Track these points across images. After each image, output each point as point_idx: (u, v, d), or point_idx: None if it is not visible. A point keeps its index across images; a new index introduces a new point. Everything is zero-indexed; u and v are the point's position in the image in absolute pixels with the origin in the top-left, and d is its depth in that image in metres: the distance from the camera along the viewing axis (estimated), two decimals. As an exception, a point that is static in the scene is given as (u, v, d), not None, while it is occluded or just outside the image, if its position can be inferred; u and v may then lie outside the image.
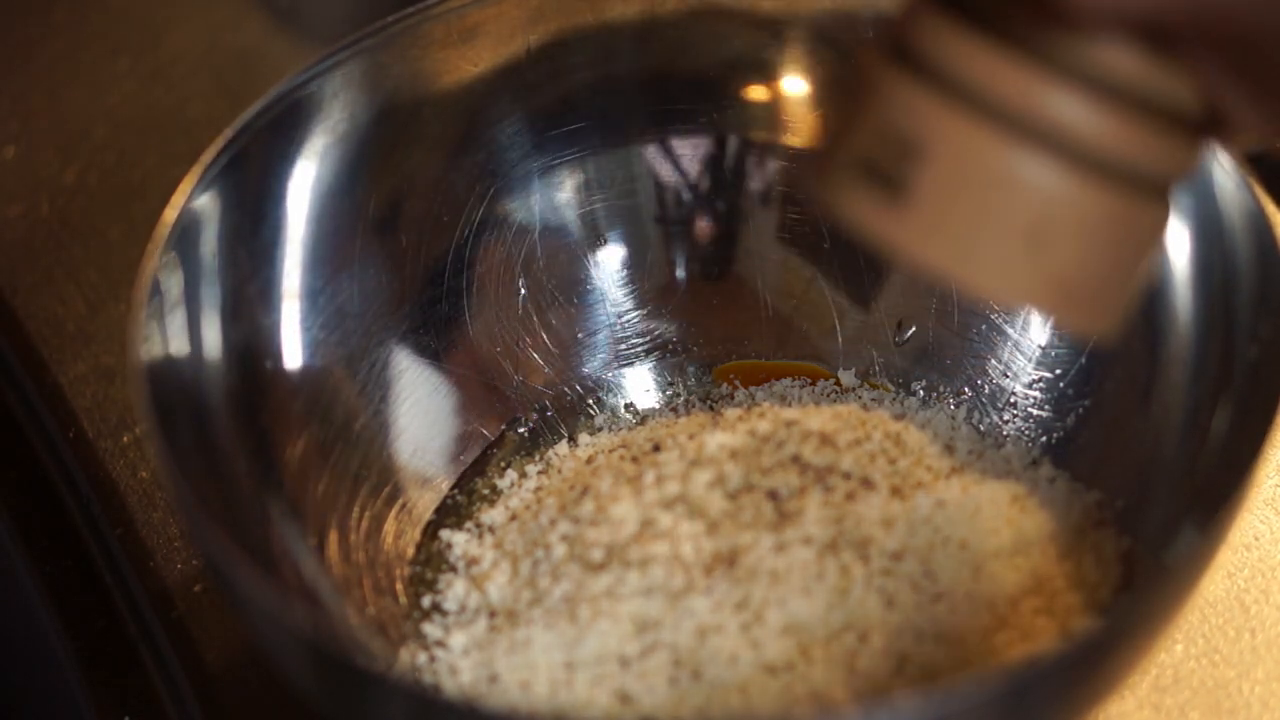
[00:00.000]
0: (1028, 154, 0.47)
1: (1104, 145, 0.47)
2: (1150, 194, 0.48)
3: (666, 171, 0.72)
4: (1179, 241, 0.65)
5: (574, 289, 0.72)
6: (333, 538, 0.64)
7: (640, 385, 0.72)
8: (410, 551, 0.66)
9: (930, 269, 0.49)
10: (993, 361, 0.70)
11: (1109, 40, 0.46)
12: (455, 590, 0.64)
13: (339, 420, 0.66)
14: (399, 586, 0.65)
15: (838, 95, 0.50)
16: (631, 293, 0.72)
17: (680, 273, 0.72)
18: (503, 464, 0.70)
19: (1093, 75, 0.47)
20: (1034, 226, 0.48)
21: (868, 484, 0.63)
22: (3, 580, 0.71)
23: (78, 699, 0.68)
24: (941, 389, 0.70)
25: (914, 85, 0.48)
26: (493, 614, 0.63)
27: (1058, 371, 0.68)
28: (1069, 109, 0.47)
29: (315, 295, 0.67)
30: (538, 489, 0.68)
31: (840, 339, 0.72)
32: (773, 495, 0.63)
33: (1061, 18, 0.46)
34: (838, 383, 0.71)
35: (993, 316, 0.70)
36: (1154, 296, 0.65)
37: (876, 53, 0.49)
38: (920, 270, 0.49)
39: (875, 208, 0.48)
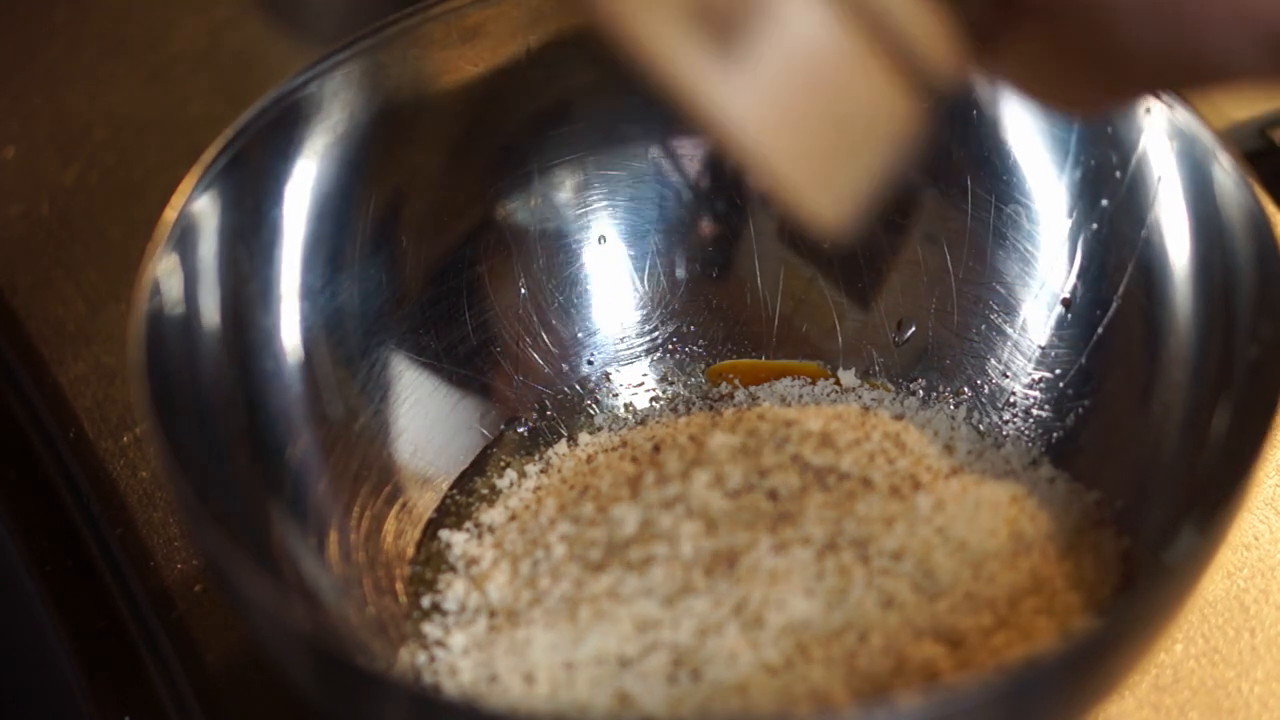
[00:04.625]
0: (861, 53, 0.45)
1: (924, 54, 0.46)
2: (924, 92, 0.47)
3: (667, 171, 0.72)
4: (1179, 241, 0.65)
5: (574, 289, 0.72)
6: (333, 538, 0.64)
7: (640, 385, 0.72)
8: (410, 551, 0.66)
9: (743, 139, 0.46)
10: (993, 361, 0.70)
11: None
12: (455, 590, 0.64)
13: (339, 420, 0.66)
14: (399, 586, 0.65)
15: None
16: (631, 293, 0.72)
17: (680, 272, 0.72)
18: (503, 464, 0.69)
19: None
20: (845, 120, 0.46)
21: (867, 484, 0.63)
22: (3, 580, 0.71)
23: (78, 699, 0.68)
24: (941, 389, 0.70)
25: None
26: (493, 614, 0.63)
27: (1058, 371, 0.68)
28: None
29: (315, 295, 0.67)
30: (537, 489, 0.68)
31: (840, 339, 0.72)
32: (772, 495, 0.63)
33: None
34: (838, 383, 0.71)
35: (992, 316, 0.70)
36: (1154, 296, 0.65)
37: None
38: (727, 134, 0.45)
39: (702, 62, 0.45)
